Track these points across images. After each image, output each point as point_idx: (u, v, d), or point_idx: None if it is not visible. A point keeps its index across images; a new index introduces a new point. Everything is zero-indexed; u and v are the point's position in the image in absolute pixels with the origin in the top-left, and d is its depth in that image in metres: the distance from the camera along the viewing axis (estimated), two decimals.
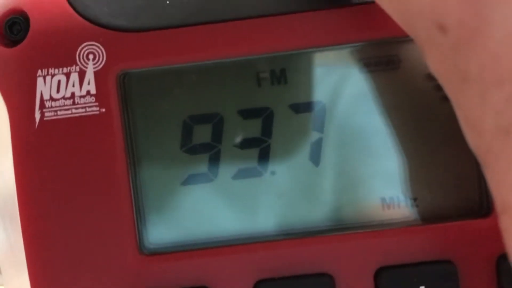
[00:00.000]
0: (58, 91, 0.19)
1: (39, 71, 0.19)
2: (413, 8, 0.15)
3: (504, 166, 0.14)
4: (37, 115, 0.20)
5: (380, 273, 0.19)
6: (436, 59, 0.15)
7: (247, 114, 0.20)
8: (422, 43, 0.16)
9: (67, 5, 0.19)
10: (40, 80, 0.19)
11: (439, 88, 0.19)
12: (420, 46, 0.16)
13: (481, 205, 0.20)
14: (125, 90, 0.20)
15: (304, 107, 0.21)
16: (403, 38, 0.18)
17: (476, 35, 0.14)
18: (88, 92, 0.19)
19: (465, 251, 0.20)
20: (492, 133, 0.14)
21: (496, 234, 0.16)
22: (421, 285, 0.19)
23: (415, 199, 0.21)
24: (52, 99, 0.19)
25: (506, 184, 0.15)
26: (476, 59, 0.14)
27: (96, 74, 0.19)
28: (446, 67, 0.15)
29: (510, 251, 0.16)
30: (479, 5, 0.14)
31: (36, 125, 0.20)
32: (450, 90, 0.15)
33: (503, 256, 0.19)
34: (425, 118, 0.21)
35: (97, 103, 0.19)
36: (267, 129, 0.21)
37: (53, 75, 0.19)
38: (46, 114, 0.20)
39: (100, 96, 0.19)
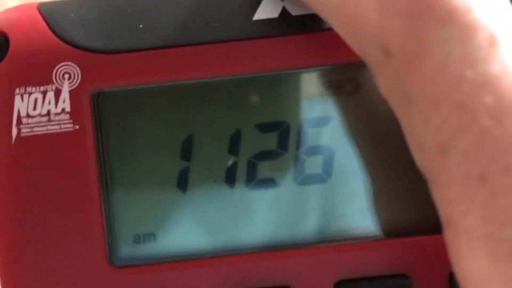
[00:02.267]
0: (34, 108, 0.20)
1: (17, 89, 0.20)
2: (362, 33, 0.16)
3: (445, 181, 0.15)
4: (14, 131, 0.21)
5: (339, 286, 0.20)
6: (384, 81, 0.16)
7: (215, 133, 0.22)
8: (372, 67, 0.17)
9: (46, 27, 0.21)
10: (17, 98, 0.20)
11: None
12: (371, 70, 0.17)
13: (437, 221, 0.21)
14: (98, 108, 0.21)
15: (270, 127, 0.22)
16: (362, 63, 0.19)
17: (416, 59, 0.15)
18: (63, 110, 0.20)
19: (420, 265, 0.20)
20: (433, 151, 0.15)
21: None
22: None
23: (375, 216, 0.21)
24: (28, 116, 0.20)
25: (448, 199, 0.16)
26: (416, 81, 0.15)
27: (71, 92, 0.20)
28: (392, 89, 0.16)
29: (453, 265, 0.16)
30: (418, 30, 0.15)
31: (13, 140, 0.20)
32: (397, 110, 0.16)
33: None
34: (385, 138, 0.22)
35: (71, 120, 0.20)
36: (234, 148, 0.22)
37: (30, 93, 0.20)
38: (23, 130, 0.20)
39: (75, 114, 0.20)
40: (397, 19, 0.15)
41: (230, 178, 0.21)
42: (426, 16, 0.15)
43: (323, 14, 0.18)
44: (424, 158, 0.16)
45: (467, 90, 0.14)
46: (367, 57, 0.17)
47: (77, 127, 0.20)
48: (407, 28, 0.15)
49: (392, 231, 0.21)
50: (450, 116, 0.15)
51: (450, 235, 0.16)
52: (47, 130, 0.20)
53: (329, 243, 0.21)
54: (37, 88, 0.20)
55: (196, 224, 0.21)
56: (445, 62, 0.15)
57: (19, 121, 0.20)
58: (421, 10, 0.15)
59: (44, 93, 0.20)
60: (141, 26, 0.20)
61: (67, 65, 0.20)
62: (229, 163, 0.22)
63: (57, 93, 0.20)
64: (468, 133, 0.15)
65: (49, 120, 0.20)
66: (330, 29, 0.20)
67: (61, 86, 0.20)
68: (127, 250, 0.21)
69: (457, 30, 0.15)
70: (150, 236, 0.21)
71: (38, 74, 0.20)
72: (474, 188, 0.15)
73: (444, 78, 0.15)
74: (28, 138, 0.20)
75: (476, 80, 0.14)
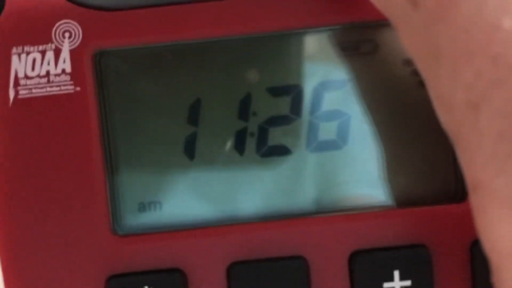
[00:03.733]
0: (33, 69, 0.19)
1: (14, 48, 0.19)
2: None
3: (475, 142, 0.14)
4: (11, 93, 0.19)
5: (354, 257, 0.19)
6: (409, 36, 0.15)
7: (224, 97, 0.20)
8: (396, 21, 0.16)
9: None
10: (15, 58, 0.19)
11: (416, 73, 0.20)
12: (394, 25, 0.16)
13: (456, 190, 0.20)
14: (100, 69, 0.20)
15: (282, 90, 0.21)
16: (381, 22, 0.18)
17: (447, 8, 0.14)
18: (63, 71, 0.19)
19: (439, 236, 0.20)
20: (463, 108, 0.14)
21: (470, 220, 0.16)
22: (395, 269, 0.19)
23: (391, 184, 0.21)
24: (26, 77, 0.19)
25: (477, 160, 0.15)
26: (447, 33, 0.14)
27: (71, 52, 0.19)
28: (419, 44, 0.15)
29: (479, 230, 0.16)
30: None
31: (10, 103, 0.19)
32: (422, 67, 0.15)
33: (477, 241, 0.19)
34: (402, 104, 0.21)
35: (72, 82, 0.19)
36: (244, 112, 0.20)
37: (28, 53, 0.19)
38: (21, 92, 0.19)
39: (76, 75, 0.19)
40: None
41: (239, 145, 0.20)
42: None
43: None
44: (451, 117, 0.15)
45: (504, 41, 0.13)
46: (390, 10, 0.16)
47: (78, 88, 0.19)
48: None
49: (408, 200, 0.20)
50: (484, 69, 0.14)
51: (477, 199, 0.15)
52: (46, 92, 0.19)
53: (344, 212, 0.20)
54: (36, 47, 0.19)
55: (204, 192, 0.20)
56: (480, 11, 0.14)
57: (16, 83, 0.19)
58: None
59: (43, 53, 0.19)
60: None
61: (68, 23, 0.19)
62: (240, 129, 0.20)
63: (57, 52, 0.19)
64: (504, 88, 0.13)
65: (48, 81, 0.19)
66: None
67: (61, 45, 0.19)
68: (131, 218, 0.20)
69: None
70: (155, 204, 0.20)
71: (37, 32, 0.19)
72: (507, 148, 0.14)
73: (478, 29, 0.14)
74: (26, 100, 0.19)
75: None
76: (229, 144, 0.20)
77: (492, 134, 0.14)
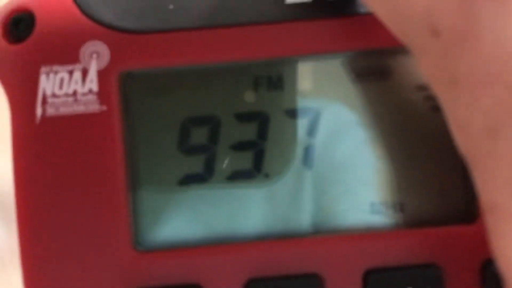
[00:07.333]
0: (60, 87, 0.20)
1: (43, 67, 0.20)
2: (408, 13, 0.16)
3: (492, 165, 0.15)
4: (39, 111, 0.20)
5: (368, 275, 0.20)
6: (428, 63, 0.16)
7: (243, 117, 0.21)
8: (415, 49, 0.16)
9: (73, 5, 0.20)
10: (43, 77, 0.20)
11: (429, 98, 0.20)
12: (412, 52, 0.17)
13: (467, 211, 0.21)
14: (126, 89, 0.20)
15: (298, 112, 0.21)
16: (395, 49, 0.19)
17: (467, 38, 0.15)
18: (90, 90, 0.20)
19: (451, 255, 0.20)
20: (481, 134, 0.15)
21: (482, 240, 0.17)
22: (408, 287, 0.20)
23: (403, 205, 0.21)
24: (54, 95, 0.20)
25: (493, 183, 0.15)
26: (466, 61, 0.15)
27: (99, 72, 0.20)
28: (437, 71, 0.16)
29: (495, 251, 0.16)
30: (472, 8, 0.14)
31: (38, 120, 0.20)
32: (440, 93, 0.16)
33: (488, 261, 0.20)
34: (414, 127, 0.21)
35: (98, 101, 0.20)
36: (262, 133, 0.21)
37: (56, 72, 0.20)
38: (48, 110, 0.20)
39: (102, 94, 0.20)
40: None
41: (257, 165, 0.21)
42: None
43: None
44: (469, 142, 0.16)
45: None
46: (409, 38, 0.16)
47: (105, 108, 0.20)
48: (460, 6, 0.15)
49: (420, 220, 0.21)
50: (502, 97, 0.14)
51: (493, 221, 0.16)
52: (73, 110, 0.20)
53: (357, 232, 0.21)
54: (64, 67, 0.20)
55: (222, 209, 0.21)
56: (500, 41, 0.14)
57: (44, 101, 0.20)
58: None
59: (71, 72, 0.20)
60: (171, 6, 0.20)
61: (96, 44, 0.20)
62: (257, 149, 0.21)
63: (84, 72, 0.20)
64: None
65: (75, 100, 0.20)
66: (365, 13, 0.20)
67: (89, 65, 0.20)
68: (151, 235, 0.21)
69: None
70: (175, 221, 0.21)
71: (65, 52, 0.20)
72: None
73: (497, 58, 0.14)
74: (53, 119, 0.20)
75: None
76: (226, 162, 0.21)
77: (509, 158, 0.15)
